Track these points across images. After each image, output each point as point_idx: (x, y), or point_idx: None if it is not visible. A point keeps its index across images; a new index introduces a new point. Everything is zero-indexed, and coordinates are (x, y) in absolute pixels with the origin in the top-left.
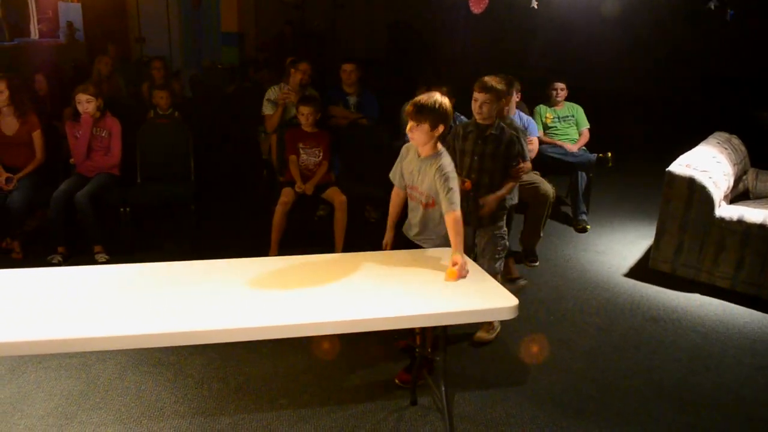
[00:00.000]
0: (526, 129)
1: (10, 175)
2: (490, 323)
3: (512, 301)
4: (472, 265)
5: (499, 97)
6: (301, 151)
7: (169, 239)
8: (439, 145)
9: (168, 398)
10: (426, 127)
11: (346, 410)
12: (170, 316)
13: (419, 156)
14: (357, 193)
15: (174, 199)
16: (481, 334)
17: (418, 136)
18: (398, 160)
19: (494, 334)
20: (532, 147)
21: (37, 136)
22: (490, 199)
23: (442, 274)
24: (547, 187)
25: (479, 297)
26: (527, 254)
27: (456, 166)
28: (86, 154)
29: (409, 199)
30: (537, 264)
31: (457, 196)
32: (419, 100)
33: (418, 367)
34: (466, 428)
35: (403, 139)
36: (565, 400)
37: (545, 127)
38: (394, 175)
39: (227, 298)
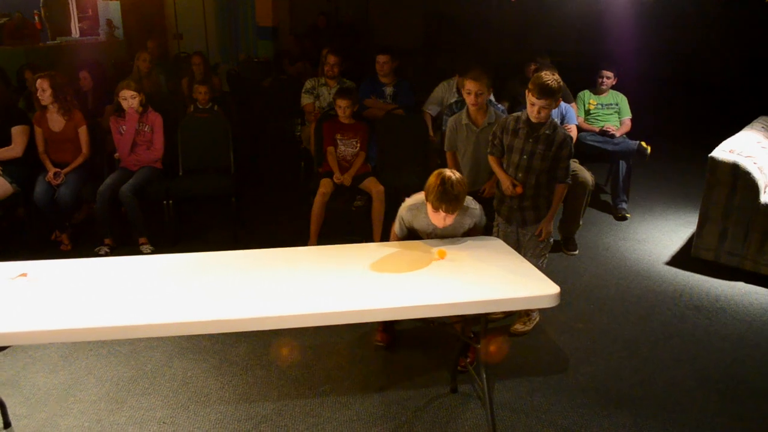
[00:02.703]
0: (564, 116)
1: (58, 170)
2: (528, 315)
3: (554, 288)
4: (514, 255)
5: (558, 98)
6: (339, 143)
7: (211, 231)
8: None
9: (213, 384)
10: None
11: (386, 397)
12: (215, 304)
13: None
14: (394, 183)
15: (215, 191)
16: (518, 326)
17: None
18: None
19: (531, 326)
20: (571, 135)
21: (82, 131)
22: (545, 226)
23: (481, 263)
24: (586, 175)
25: (521, 285)
26: (566, 242)
27: (500, 161)
28: (130, 148)
29: None
30: (576, 252)
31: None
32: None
33: (458, 354)
34: (506, 416)
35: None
36: (606, 389)
37: (587, 113)
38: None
39: (270, 287)
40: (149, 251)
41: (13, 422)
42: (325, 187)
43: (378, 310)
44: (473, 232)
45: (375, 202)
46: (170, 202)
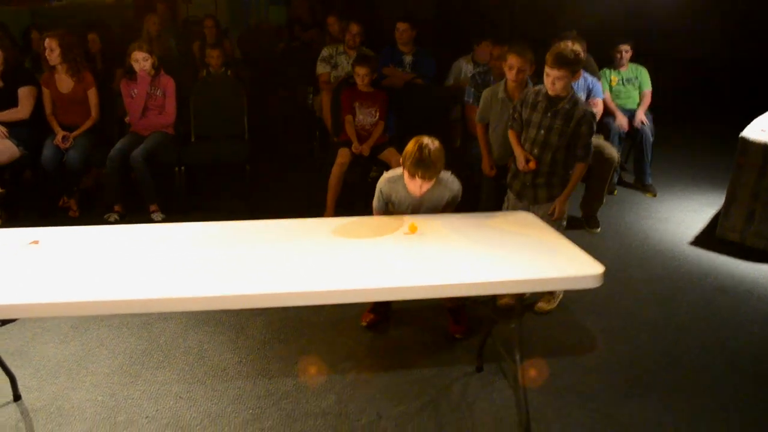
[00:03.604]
0: (591, 90)
1: (67, 133)
2: (552, 293)
3: (597, 268)
4: (554, 233)
5: (576, 70)
6: (357, 111)
7: (224, 199)
8: None
9: (231, 359)
10: None
11: (409, 375)
12: (231, 278)
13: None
14: None
15: (228, 158)
16: (542, 304)
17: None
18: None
19: (555, 304)
20: (597, 109)
21: (92, 94)
22: (560, 205)
23: (515, 238)
24: (612, 151)
25: (563, 263)
26: (588, 220)
27: (519, 136)
28: (142, 112)
29: None
30: (599, 230)
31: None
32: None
33: (485, 334)
34: (533, 397)
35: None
36: (634, 372)
37: (610, 90)
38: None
39: (289, 260)
40: (160, 219)
41: (24, 395)
42: (343, 156)
43: (407, 289)
44: (447, 208)
45: None
46: (182, 168)
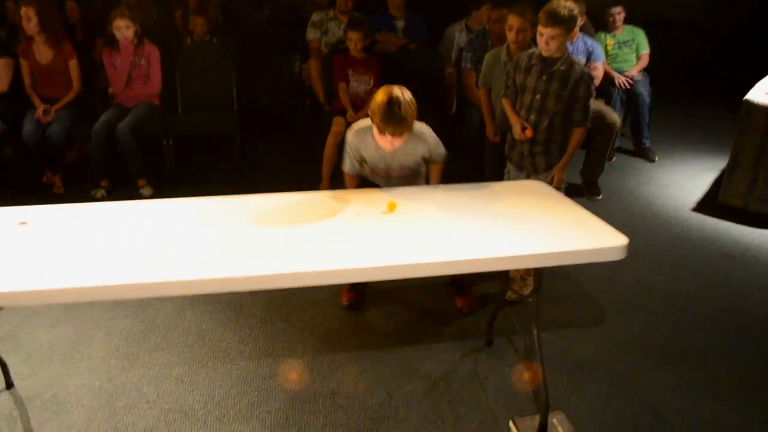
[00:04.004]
0: (590, 54)
1: (48, 106)
2: (524, 279)
3: (621, 239)
4: (570, 202)
5: (570, 29)
6: (351, 78)
7: (214, 172)
8: None
9: (232, 338)
10: None
11: (418, 351)
12: (227, 257)
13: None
14: None
15: (217, 129)
16: (513, 294)
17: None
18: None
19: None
20: (597, 73)
21: (73, 64)
22: (558, 173)
23: (530, 209)
24: (614, 117)
25: (583, 235)
26: (589, 187)
27: (514, 103)
28: (126, 83)
29: None
30: (600, 197)
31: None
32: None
33: (496, 307)
34: (548, 371)
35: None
36: (646, 342)
37: (606, 55)
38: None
39: (288, 237)
40: (149, 194)
41: (16, 382)
42: (338, 125)
43: (425, 265)
44: (433, 169)
45: None
46: (170, 140)
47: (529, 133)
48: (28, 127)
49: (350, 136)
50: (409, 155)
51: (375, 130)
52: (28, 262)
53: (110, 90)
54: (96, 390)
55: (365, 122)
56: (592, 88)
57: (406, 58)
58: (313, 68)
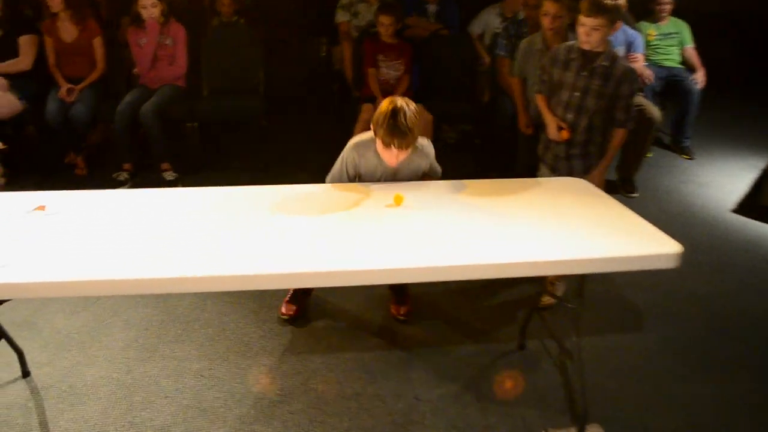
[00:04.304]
0: (630, 45)
1: (72, 86)
2: (553, 285)
3: (674, 246)
4: (615, 203)
5: (614, 20)
6: (381, 64)
7: (238, 157)
8: None
9: (254, 333)
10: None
11: (447, 354)
12: (256, 253)
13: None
14: (434, 112)
15: (243, 113)
16: (547, 298)
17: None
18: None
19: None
20: (637, 66)
21: (97, 43)
22: (597, 177)
23: (571, 211)
24: (654, 110)
25: (633, 240)
26: (625, 184)
27: (549, 100)
28: (151, 63)
29: None
30: (636, 195)
31: None
32: None
33: (530, 310)
34: (590, 378)
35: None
36: (687, 351)
37: (647, 46)
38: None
39: (314, 231)
40: (172, 178)
41: (33, 371)
42: (367, 113)
43: (461, 268)
44: (428, 179)
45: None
46: (195, 124)
47: (565, 134)
48: (51, 106)
49: (349, 149)
50: (411, 170)
51: (379, 144)
52: (46, 251)
53: (135, 70)
54: (113, 381)
55: (367, 135)
56: (637, 86)
57: (439, 43)
58: (346, 51)
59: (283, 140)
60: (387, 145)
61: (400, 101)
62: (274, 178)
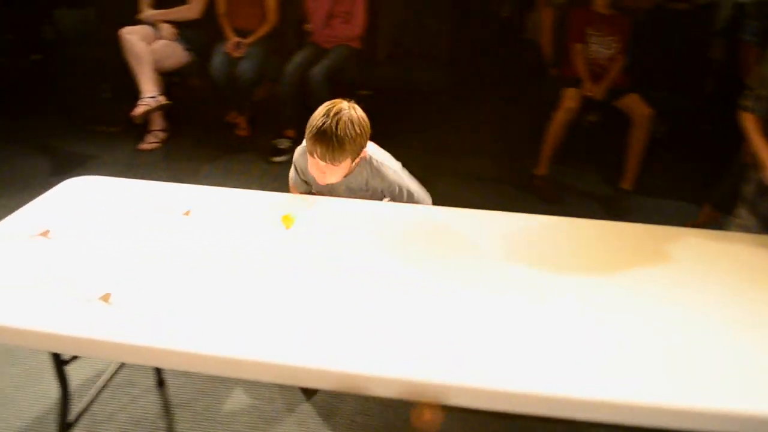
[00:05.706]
0: None
1: (240, 39)
2: None
3: None
4: None
5: None
6: (590, 39)
7: (416, 134)
8: None
9: None
10: None
11: None
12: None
13: None
14: (655, 105)
15: (425, 83)
16: None
17: None
18: None
19: None
20: None
21: None
22: None
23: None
24: None
25: None
26: None
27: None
28: (326, 20)
29: None
30: None
31: None
32: None
33: None
34: None
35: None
36: None
37: None
38: None
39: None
40: (286, 146)
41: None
42: (571, 100)
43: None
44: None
45: (636, 129)
46: (369, 92)
47: None
48: (216, 60)
49: (297, 152)
50: (361, 190)
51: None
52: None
53: (307, 26)
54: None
55: None
56: None
57: (665, 19)
58: (545, 18)
59: (466, 118)
60: (310, 152)
61: (344, 105)
62: (448, 159)
